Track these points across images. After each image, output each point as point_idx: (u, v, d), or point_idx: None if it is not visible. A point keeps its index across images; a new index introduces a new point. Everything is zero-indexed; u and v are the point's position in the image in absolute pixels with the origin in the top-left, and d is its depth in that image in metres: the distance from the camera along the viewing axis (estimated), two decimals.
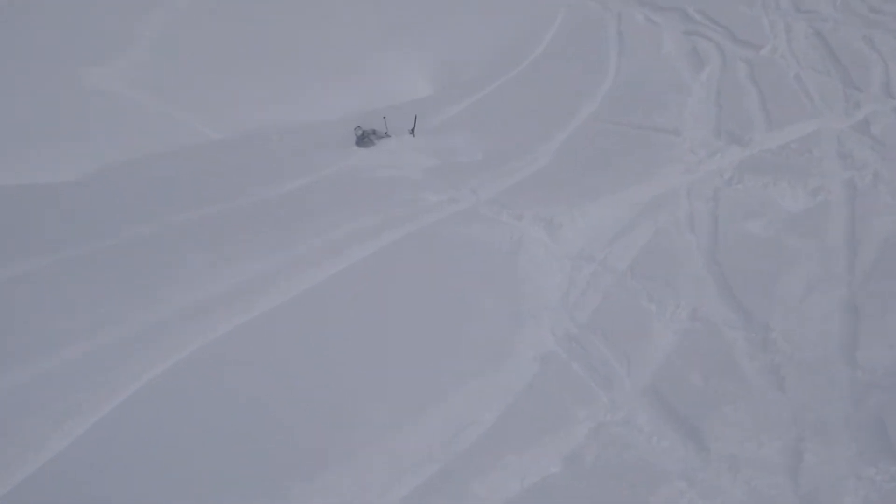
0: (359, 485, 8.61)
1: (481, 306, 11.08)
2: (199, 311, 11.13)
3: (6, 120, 20.48)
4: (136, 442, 8.16)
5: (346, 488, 8.55)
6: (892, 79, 22.45)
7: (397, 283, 11.98)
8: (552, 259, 12.72)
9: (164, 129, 22.71)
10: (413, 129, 20.90)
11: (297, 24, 29.34)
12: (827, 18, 27.65)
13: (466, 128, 21.24)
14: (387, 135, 21.01)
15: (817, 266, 11.69)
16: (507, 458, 8.91)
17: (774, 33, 27.11)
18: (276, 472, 8.37)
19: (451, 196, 15.20)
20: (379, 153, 18.97)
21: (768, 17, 28.53)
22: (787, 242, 12.40)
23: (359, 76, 26.89)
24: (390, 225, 13.59)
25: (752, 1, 29.51)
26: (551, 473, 8.86)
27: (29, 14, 25.56)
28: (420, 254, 12.70)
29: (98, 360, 9.90)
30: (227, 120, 23.47)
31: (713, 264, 12.21)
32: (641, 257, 12.70)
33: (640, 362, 9.99)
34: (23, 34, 24.82)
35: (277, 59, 26.20)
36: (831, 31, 26.42)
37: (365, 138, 20.51)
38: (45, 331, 10.19)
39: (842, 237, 12.59)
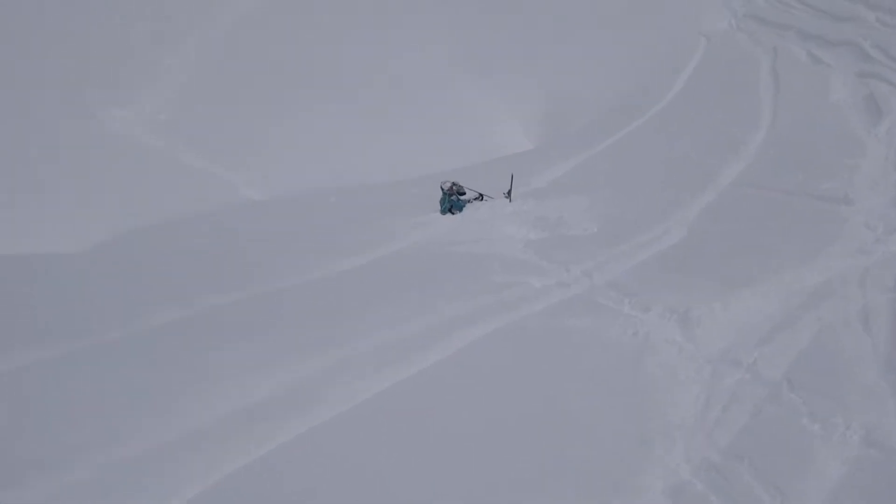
0: None
1: (595, 424, 10.85)
2: (229, 427, 10.64)
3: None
4: None
5: None
6: None
7: (482, 394, 11.65)
8: (687, 363, 12.56)
9: (193, 186, 22.86)
10: (509, 192, 21.12)
11: (365, 61, 29.44)
12: None
13: (578, 191, 21.43)
14: (479, 198, 21.12)
15: None
16: None
17: None
18: None
19: (559, 279, 15.46)
20: (466, 222, 19.92)
21: None
22: None
23: (441, 126, 26.74)
24: (477, 316, 13.63)
25: None
26: None
27: (35, 34, 25.60)
28: (515, 354, 12.68)
29: (115, 482, 9.42)
30: (273, 177, 23.49)
31: (894, 374, 11.72)
32: (801, 363, 12.35)
33: (798, 499, 9.43)
34: (27, 59, 24.80)
35: (338, 102, 26.24)
36: None
37: (450, 200, 20.67)
38: (50, 445, 9.70)
39: None
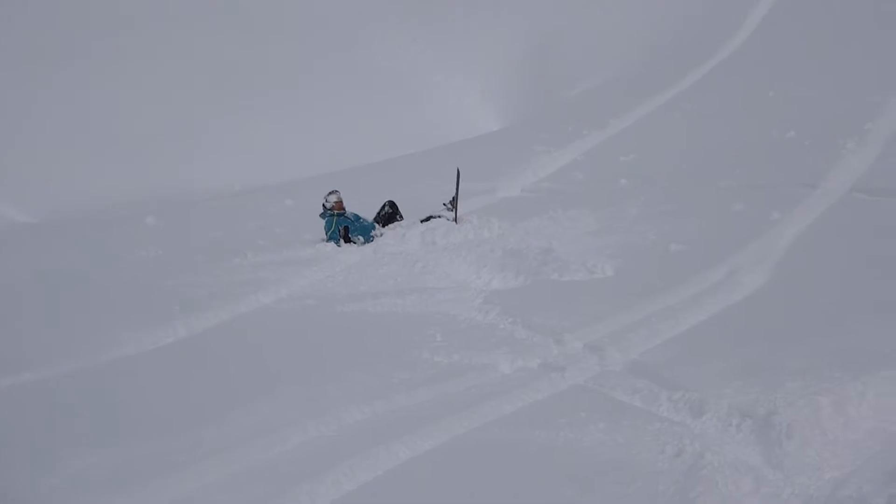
0: None
1: None
2: None
3: None
4: None
5: None
6: None
7: None
8: (770, 497, 8.72)
9: None
10: (453, 202, 17.44)
11: None
12: None
13: (578, 203, 18.02)
14: (389, 213, 17.75)
15: None
16: None
17: None
18: None
19: (546, 359, 11.68)
20: (379, 259, 16.07)
21: None
22: None
23: (328, 91, 23.89)
24: (398, 427, 9.87)
25: None
26: None
27: None
28: (470, 496, 8.72)
29: None
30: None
31: None
32: None
33: None
34: None
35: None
36: None
37: (341, 219, 17.14)
38: None
39: None
